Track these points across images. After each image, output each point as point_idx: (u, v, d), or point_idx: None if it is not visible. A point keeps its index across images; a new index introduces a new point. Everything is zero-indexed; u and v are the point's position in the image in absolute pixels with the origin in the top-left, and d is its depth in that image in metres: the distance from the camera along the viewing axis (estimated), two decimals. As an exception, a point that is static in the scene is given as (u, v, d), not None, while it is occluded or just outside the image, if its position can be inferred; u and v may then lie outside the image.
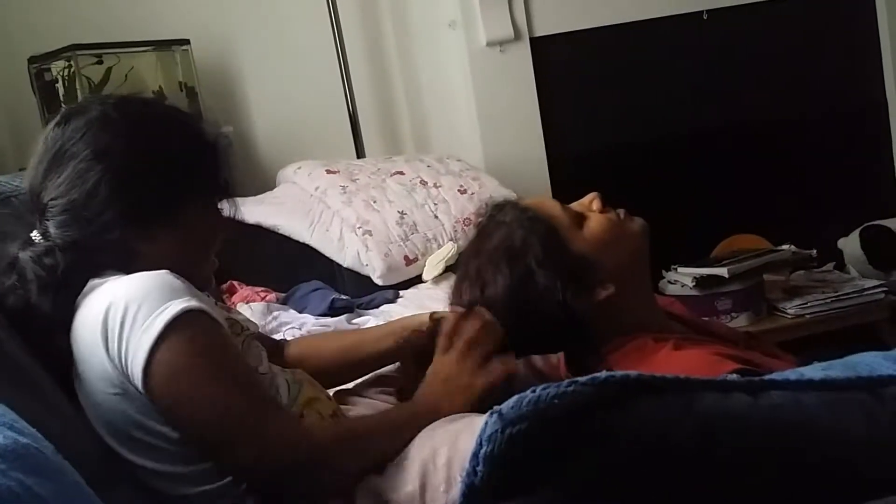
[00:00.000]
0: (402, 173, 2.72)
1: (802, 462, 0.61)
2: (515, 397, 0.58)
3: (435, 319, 1.38)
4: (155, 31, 2.84)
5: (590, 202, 1.45)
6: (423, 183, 2.69)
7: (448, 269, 2.41)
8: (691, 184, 3.15)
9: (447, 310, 1.45)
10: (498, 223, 1.41)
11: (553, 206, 1.43)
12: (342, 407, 1.34)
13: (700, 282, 2.62)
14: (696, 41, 3.18)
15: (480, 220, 1.47)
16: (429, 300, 2.23)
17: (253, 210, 2.60)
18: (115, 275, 1.19)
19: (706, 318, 2.04)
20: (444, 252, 2.52)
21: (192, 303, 1.11)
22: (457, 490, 0.59)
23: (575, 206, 1.45)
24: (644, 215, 1.47)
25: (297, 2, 3.04)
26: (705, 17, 3.16)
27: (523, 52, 3.04)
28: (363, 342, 1.47)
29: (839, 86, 3.30)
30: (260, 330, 1.46)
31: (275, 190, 2.82)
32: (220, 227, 1.29)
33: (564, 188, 2.80)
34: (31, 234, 1.22)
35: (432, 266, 2.51)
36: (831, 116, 3.28)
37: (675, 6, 3.14)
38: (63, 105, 2.52)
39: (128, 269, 1.18)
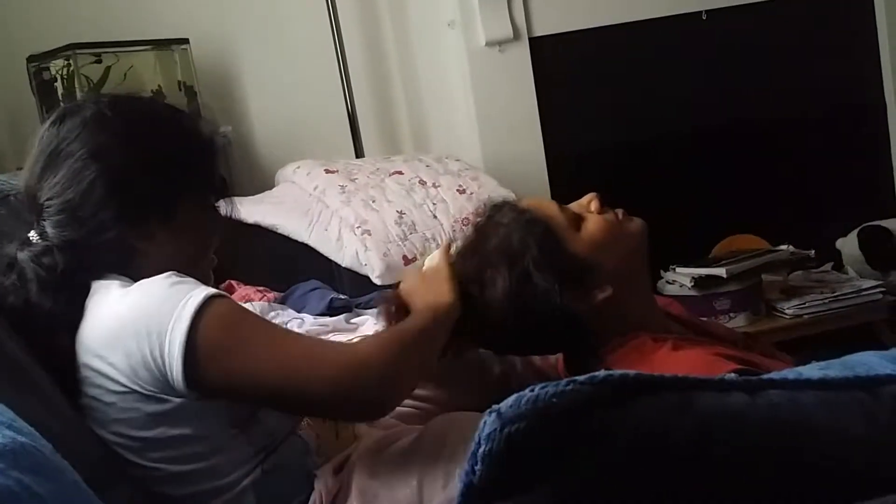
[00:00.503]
0: (400, 173, 2.72)
1: (800, 461, 0.61)
2: (514, 396, 0.58)
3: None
4: (154, 30, 2.84)
5: (588, 202, 1.45)
6: (422, 183, 2.69)
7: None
8: (689, 184, 3.15)
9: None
10: (496, 224, 1.41)
11: (551, 207, 1.43)
12: None
13: (698, 282, 2.62)
14: (694, 41, 3.18)
15: (479, 220, 1.47)
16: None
17: (252, 209, 2.59)
18: (117, 275, 1.19)
19: (704, 319, 2.03)
20: (443, 252, 2.51)
21: (210, 290, 1.13)
22: (455, 489, 0.59)
23: (573, 206, 1.45)
24: (642, 215, 1.47)
25: (297, 2, 3.04)
26: (704, 17, 3.16)
27: (522, 52, 3.04)
28: None
29: (837, 86, 3.30)
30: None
31: (273, 189, 2.81)
32: (217, 224, 1.30)
33: (563, 188, 2.81)
34: (29, 234, 1.22)
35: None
36: (829, 117, 3.28)
37: (675, 6, 3.14)
38: (62, 104, 2.52)
39: (127, 268, 1.18)
